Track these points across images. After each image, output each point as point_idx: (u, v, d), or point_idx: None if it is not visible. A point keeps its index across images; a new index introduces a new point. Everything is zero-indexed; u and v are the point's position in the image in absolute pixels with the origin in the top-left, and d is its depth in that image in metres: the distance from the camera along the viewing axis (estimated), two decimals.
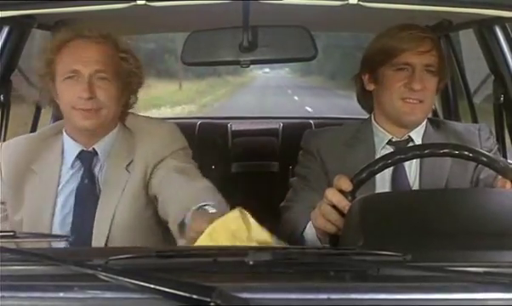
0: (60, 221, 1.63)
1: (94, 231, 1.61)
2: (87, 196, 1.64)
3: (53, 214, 1.63)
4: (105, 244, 1.59)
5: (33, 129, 2.41)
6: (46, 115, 2.60)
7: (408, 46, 1.65)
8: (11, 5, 1.33)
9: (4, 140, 1.94)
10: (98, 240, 1.60)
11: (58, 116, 2.66)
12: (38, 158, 1.68)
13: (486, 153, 1.36)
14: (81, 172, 1.66)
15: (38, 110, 2.45)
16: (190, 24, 2.22)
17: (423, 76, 1.65)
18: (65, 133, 1.70)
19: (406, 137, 1.72)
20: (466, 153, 1.31)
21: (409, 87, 1.65)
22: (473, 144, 1.58)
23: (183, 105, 16.79)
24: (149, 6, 1.26)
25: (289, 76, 33.85)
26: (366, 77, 1.75)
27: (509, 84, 1.93)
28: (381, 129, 1.73)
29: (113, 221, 1.61)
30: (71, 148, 1.68)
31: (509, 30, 1.92)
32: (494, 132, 1.95)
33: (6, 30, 1.87)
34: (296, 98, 20.01)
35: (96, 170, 1.67)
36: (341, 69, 20.96)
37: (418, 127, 1.73)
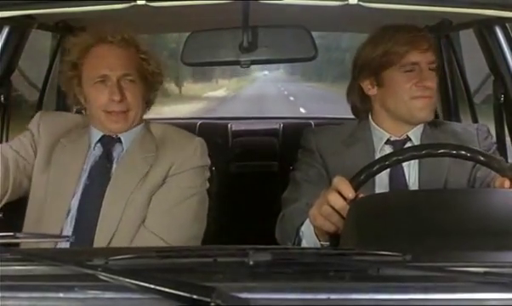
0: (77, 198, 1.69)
1: (103, 210, 1.66)
2: (100, 173, 1.71)
3: (73, 192, 1.69)
4: (117, 226, 1.65)
5: None
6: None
7: (412, 46, 1.67)
8: (11, 5, 1.33)
9: (7, 141, 1.94)
10: (106, 221, 1.65)
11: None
12: (68, 135, 1.77)
13: (484, 152, 1.36)
14: (100, 152, 1.74)
15: (38, 110, 2.44)
16: (190, 24, 2.22)
17: (429, 74, 1.68)
18: (92, 127, 1.78)
19: (404, 136, 1.73)
20: (464, 153, 1.31)
21: (421, 86, 1.67)
22: (471, 144, 1.58)
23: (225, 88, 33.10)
24: (149, 6, 1.26)
25: (281, 75, 50.33)
26: (366, 83, 1.74)
27: (509, 84, 1.93)
28: (379, 129, 1.74)
29: (126, 205, 1.66)
30: (98, 134, 1.76)
31: (509, 30, 1.92)
32: (494, 132, 1.95)
33: (6, 30, 1.87)
34: (279, 85, 36.60)
35: (115, 153, 1.73)
36: (307, 69, 38.69)
37: (416, 127, 1.74)
